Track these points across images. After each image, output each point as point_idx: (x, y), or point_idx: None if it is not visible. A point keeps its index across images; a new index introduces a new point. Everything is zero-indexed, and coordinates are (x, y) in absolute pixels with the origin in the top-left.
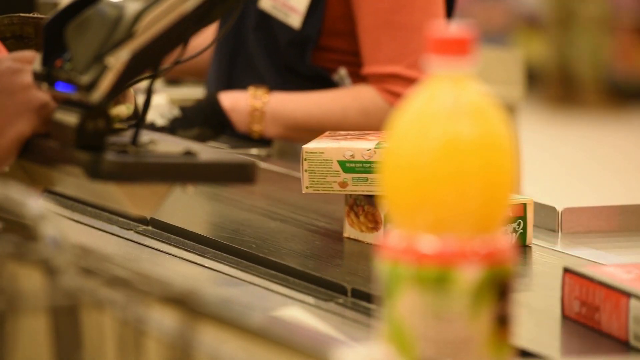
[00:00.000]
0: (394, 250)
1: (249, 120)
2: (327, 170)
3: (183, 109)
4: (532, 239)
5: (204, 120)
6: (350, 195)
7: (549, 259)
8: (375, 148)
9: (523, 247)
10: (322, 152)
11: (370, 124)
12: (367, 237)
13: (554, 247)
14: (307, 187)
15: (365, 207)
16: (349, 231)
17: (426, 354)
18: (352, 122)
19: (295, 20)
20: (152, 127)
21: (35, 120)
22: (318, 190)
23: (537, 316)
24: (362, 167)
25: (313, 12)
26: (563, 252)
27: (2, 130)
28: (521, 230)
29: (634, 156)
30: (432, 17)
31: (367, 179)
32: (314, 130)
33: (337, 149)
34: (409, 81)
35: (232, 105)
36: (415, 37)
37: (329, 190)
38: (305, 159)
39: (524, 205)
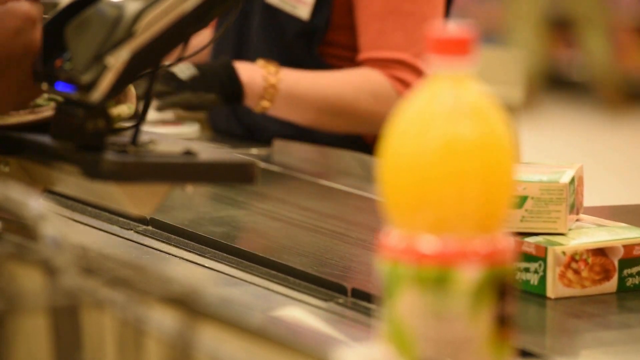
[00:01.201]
0: (394, 250)
1: (261, 95)
2: None
3: (200, 68)
4: None
5: (221, 86)
6: (564, 252)
7: None
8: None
9: None
10: None
11: (381, 109)
12: (593, 290)
13: None
14: None
15: (588, 259)
16: (562, 291)
17: (426, 354)
18: (364, 106)
19: (303, 11)
20: (174, 78)
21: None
22: None
23: None
24: None
25: (322, 4)
26: None
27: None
28: None
29: (633, 156)
30: (436, 8)
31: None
32: (323, 112)
33: None
34: (415, 70)
35: (249, 79)
36: (421, 27)
37: None
38: None
39: None
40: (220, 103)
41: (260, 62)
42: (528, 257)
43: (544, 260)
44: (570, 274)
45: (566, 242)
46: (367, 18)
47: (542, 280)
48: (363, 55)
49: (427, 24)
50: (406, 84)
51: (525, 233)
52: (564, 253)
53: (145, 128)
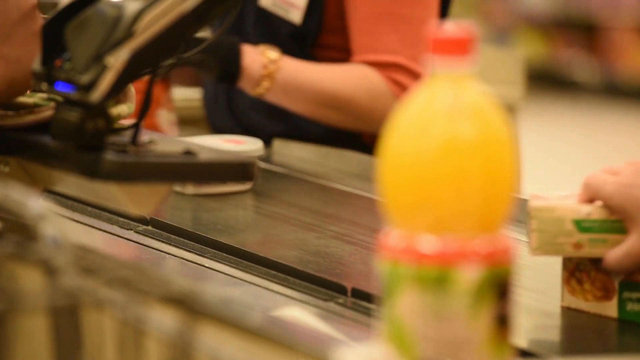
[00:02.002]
0: (394, 250)
1: (256, 82)
2: (559, 230)
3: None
4: None
5: (221, 62)
6: (570, 259)
7: (548, 259)
8: None
9: None
10: (553, 210)
11: (377, 108)
12: (595, 307)
13: None
14: (536, 249)
15: (591, 272)
16: (569, 300)
17: (426, 354)
18: (359, 102)
19: (295, 15)
20: None
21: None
22: (548, 252)
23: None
24: (600, 227)
25: (313, 8)
26: None
27: (19, 63)
28: None
29: (634, 156)
30: (430, 12)
31: (605, 240)
32: (319, 105)
33: (571, 206)
34: (412, 73)
35: (249, 64)
36: (415, 30)
37: (561, 253)
38: (534, 217)
39: None
40: (217, 76)
41: (262, 48)
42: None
43: None
44: (574, 284)
45: None
46: (360, 21)
47: None
48: (357, 58)
49: (421, 27)
50: (403, 87)
51: None
52: None
53: (206, 143)
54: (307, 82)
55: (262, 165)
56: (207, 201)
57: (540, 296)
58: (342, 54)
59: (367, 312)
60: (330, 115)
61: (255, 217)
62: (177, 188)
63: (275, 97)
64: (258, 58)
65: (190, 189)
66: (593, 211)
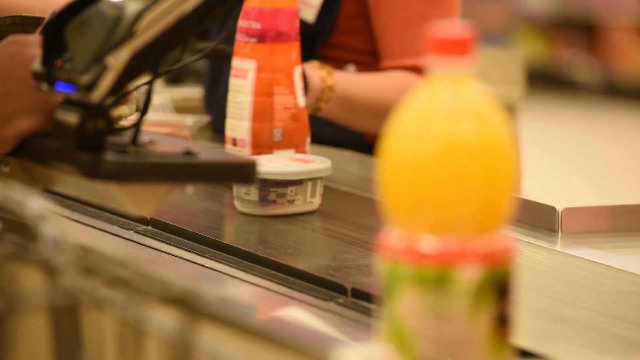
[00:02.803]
0: (394, 250)
1: (318, 97)
2: None
3: None
4: None
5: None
6: None
7: (548, 258)
8: None
9: None
10: None
11: None
12: None
13: (553, 247)
14: None
15: None
16: None
17: (426, 354)
18: None
19: (309, 14)
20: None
21: (43, 121)
22: None
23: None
24: None
25: (328, 8)
26: (563, 252)
27: (11, 119)
28: None
29: (634, 156)
30: (456, 12)
31: None
32: (373, 114)
33: None
34: None
35: (312, 79)
36: None
37: None
38: None
39: None
40: None
41: (315, 63)
42: None
43: None
44: None
45: None
46: (392, 26)
47: None
48: (389, 62)
49: None
50: None
51: None
52: None
53: (275, 161)
54: (360, 94)
55: (329, 184)
56: (208, 202)
57: (630, 325)
58: (350, 54)
59: (367, 312)
60: (381, 124)
61: (255, 217)
62: (241, 208)
63: (331, 112)
64: (317, 72)
65: (190, 189)
66: None
